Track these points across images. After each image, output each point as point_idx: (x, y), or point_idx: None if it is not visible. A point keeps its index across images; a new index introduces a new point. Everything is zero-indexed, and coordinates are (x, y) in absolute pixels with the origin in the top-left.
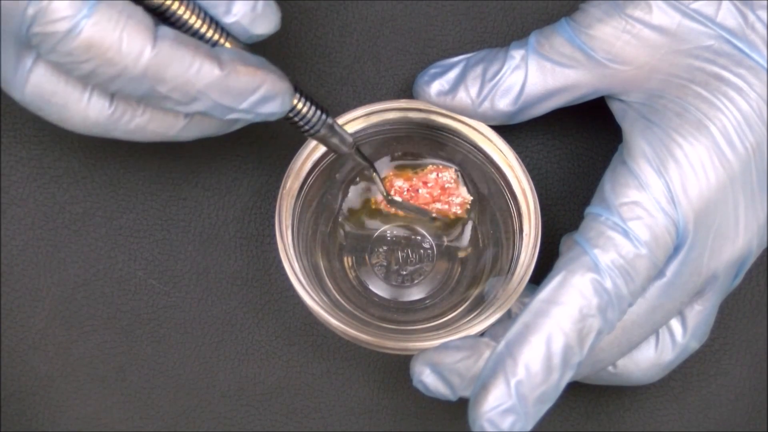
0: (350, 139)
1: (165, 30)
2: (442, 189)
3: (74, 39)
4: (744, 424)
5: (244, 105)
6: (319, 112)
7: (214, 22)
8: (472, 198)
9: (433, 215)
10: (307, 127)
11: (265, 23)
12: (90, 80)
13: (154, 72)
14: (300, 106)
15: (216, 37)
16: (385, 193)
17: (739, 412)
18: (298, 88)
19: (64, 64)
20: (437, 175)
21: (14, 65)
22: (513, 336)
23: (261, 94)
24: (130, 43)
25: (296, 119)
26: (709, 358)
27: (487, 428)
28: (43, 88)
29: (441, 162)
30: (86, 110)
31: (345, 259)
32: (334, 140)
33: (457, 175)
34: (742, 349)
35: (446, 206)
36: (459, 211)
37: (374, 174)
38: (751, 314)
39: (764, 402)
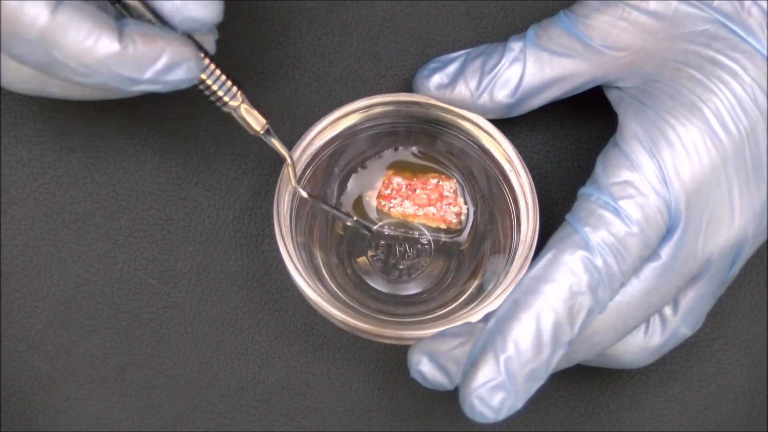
0: (263, 120)
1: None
2: (440, 195)
3: None
4: (744, 424)
5: (148, 75)
6: (229, 84)
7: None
8: (467, 209)
9: (353, 221)
10: (213, 99)
11: (200, 7)
12: None
13: (51, 36)
14: (211, 81)
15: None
16: (295, 185)
17: (739, 412)
18: (210, 59)
19: None
20: (438, 182)
21: None
22: (503, 313)
23: (164, 62)
24: (30, 3)
25: (203, 89)
26: (709, 358)
27: (477, 405)
28: None
29: (444, 171)
30: (13, 71)
31: (343, 253)
32: (246, 118)
33: (457, 188)
34: (742, 349)
35: (441, 213)
36: (454, 221)
37: (287, 163)
38: (751, 314)
39: (764, 402)
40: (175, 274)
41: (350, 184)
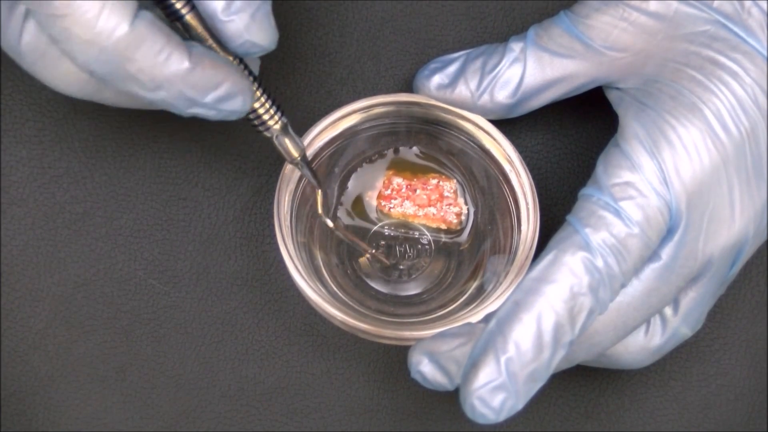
0: (302, 147)
1: (144, 12)
2: (440, 196)
3: None
4: (744, 424)
5: (208, 99)
6: (274, 110)
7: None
8: (467, 209)
9: (371, 253)
10: (257, 123)
11: (260, 32)
12: (62, 43)
13: (124, 48)
14: (257, 105)
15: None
16: (321, 214)
17: (739, 412)
18: (259, 85)
19: (41, 14)
20: (438, 182)
21: (8, 16)
22: (504, 314)
23: (224, 90)
24: (110, 12)
25: (252, 117)
26: (709, 358)
27: (478, 406)
28: (36, 43)
29: (444, 172)
30: (73, 74)
31: (343, 253)
32: (286, 144)
33: (458, 188)
34: (742, 349)
35: (441, 213)
36: (454, 221)
37: (318, 192)
38: (751, 314)
39: (764, 402)
40: (175, 274)
41: (350, 185)
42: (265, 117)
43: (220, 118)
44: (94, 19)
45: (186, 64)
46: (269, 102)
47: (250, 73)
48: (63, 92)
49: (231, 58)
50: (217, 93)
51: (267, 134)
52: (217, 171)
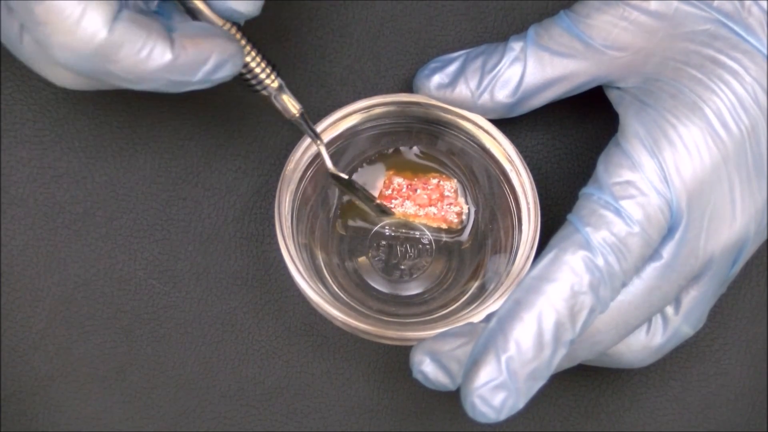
0: (298, 105)
1: (124, 12)
2: (441, 195)
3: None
4: (744, 424)
5: (198, 77)
6: (268, 71)
7: None
8: (468, 209)
9: (377, 203)
10: (254, 83)
11: (246, 2)
12: (46, 48)
13: (106, 52)
14: (254, 65)
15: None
16: (331, 168)
17: (739, 412)
18: (250, 44)
19: (24, 20)
20: (439, 182)
21: (8, 15)
22: (504, 312)
23: (212, 63)
24: (90, 18)
25: (247, 76)
26: (709, 358)
27: (479, 405)
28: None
29: (445, 172)
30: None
31: (344, 253)
32: (283, 102)
33: (458, 187)
34: (742, 349)
35: (442, 213)
36: (455, 221)
37: (320, 146)
38: (751, 314)
39: (764, 402)
40: (175, 274)
41: None
42: (262, 76)
43: (215, 85)
44: (74, 25)
45: (168, 56)
46: (264, 61)
47: (240, 30)
48: (62, 86)
49: (219, 21)
50: (206, 68)
51: (264, 93)
52: (217, 171)
